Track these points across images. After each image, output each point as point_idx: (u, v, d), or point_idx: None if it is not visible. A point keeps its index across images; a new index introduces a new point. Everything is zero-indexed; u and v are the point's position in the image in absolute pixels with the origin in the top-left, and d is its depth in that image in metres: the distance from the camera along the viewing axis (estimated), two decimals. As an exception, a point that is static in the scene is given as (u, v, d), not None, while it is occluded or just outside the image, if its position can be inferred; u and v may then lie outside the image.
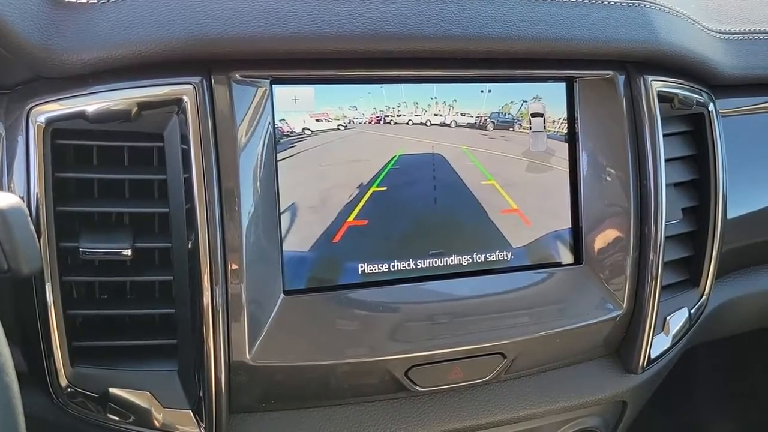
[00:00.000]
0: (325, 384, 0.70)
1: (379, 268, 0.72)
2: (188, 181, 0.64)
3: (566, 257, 0.79)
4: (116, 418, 0.66)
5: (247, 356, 0.66)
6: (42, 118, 0.62)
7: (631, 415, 0.88)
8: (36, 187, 0.62)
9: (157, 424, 0.66)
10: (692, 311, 0.87)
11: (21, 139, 0.63)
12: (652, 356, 0.82)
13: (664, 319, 0.84)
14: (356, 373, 0.70)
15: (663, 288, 0.81)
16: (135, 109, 0.62)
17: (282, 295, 0.68)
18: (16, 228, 0.47)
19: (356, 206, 0.71)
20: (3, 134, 0.64)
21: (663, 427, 1.63)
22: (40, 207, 0.62)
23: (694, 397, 1.59)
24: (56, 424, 0.67)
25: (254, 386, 0.68)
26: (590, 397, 0.81)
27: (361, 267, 0.71)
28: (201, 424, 0.66)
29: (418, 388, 0.72)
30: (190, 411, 0.66)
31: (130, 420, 0.66)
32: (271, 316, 0.67)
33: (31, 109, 0.63)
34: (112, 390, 0.65)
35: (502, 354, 0.74)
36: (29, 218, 0.49)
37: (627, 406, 0.86)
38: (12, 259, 0.47)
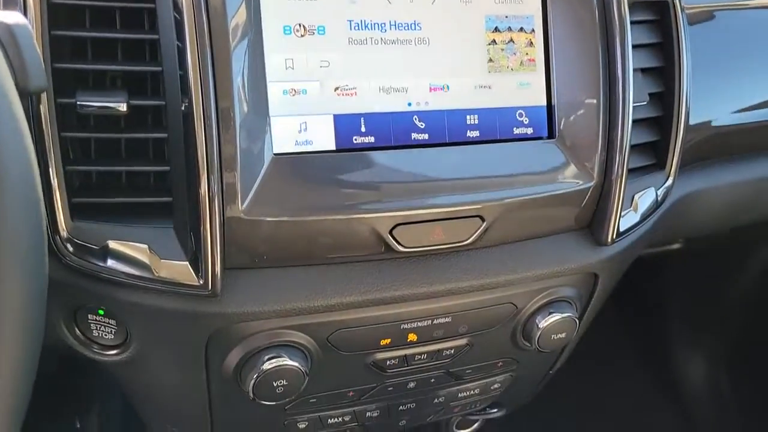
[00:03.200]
0: (314, 240, 0.74)
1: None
2: (181, 42, 0.67)
3: (541, 131, 0.83)
4: (116, 269, 0.69)
5: (240, 210, 0.69)
6: None
7: (603, 289, 0.93)
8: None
9: (156, 275, 0.69)
10: (659, 192, 0.92)
11: None
12: (621, 229, 0.87)
13: (633, 197, 0.89)
14: (343, 231, 0.74)
15: (631, 170, 0.86)
16: None
17: (272, 155, 0.71)
18: (23, 44, 0.50)
19: None
20: (-2, -2, 0.67)
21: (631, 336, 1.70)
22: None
23: (663, 307, 1.67)
24: (59, 280, 0.69)
25: (247, 241, 0.71)
26: (563, 266, 0.86)
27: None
28: (198, 274, 0.69)
29: (401, 248, 0.76)
30: (188, 263, 0.70)
31: (131, 272, 0.69)
32: (261, 174, 0.70)
33: None
34: (111, 243, 0.69)
35: (480, 217, 0.78)
36: (34, 37, 0.52)
37: (598, 279, 0.91)
38: (20, 75, 0.50)
